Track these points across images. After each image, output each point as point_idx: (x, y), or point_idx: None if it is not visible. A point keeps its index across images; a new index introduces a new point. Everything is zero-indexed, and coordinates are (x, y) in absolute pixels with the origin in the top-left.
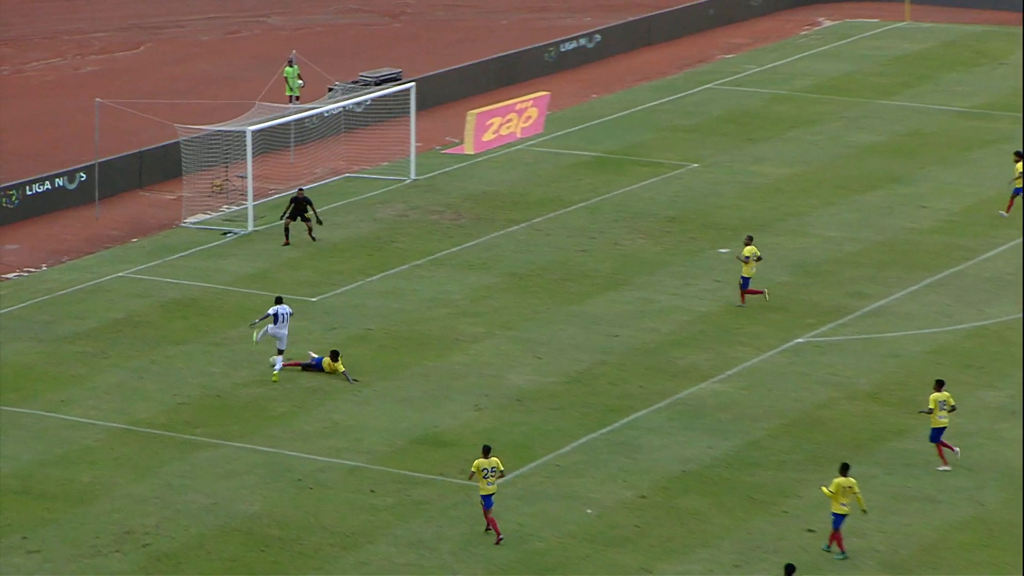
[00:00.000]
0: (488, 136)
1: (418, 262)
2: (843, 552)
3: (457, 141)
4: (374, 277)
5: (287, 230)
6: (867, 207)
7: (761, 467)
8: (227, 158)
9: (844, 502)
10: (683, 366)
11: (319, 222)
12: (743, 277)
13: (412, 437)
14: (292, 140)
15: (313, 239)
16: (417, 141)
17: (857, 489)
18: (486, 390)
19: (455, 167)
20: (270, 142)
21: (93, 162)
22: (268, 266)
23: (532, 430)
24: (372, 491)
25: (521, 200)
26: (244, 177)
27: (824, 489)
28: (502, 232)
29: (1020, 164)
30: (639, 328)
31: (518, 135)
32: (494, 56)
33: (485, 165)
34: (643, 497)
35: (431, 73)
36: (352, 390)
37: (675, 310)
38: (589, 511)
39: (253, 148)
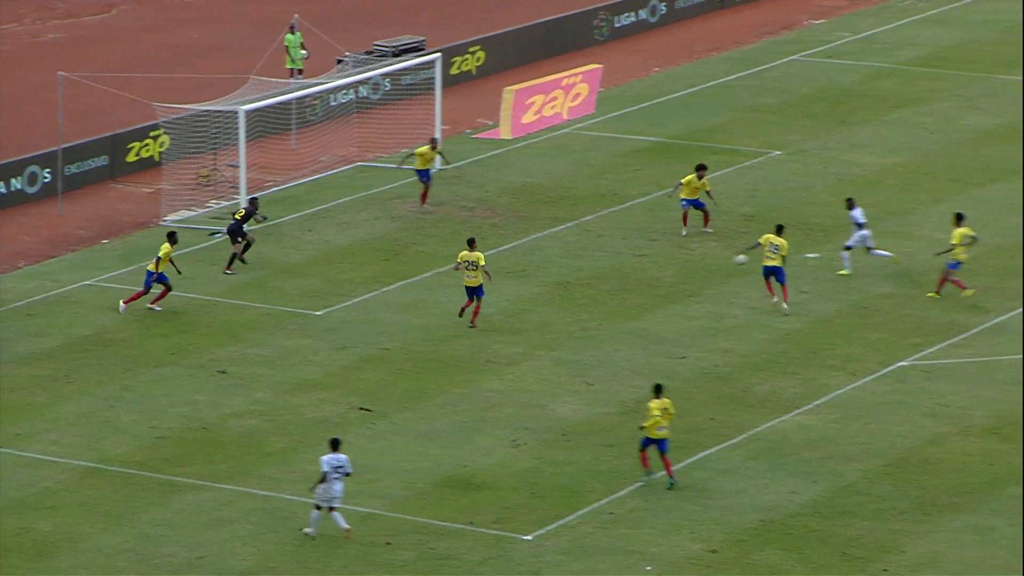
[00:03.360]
0: (528, 118)
1: (444, 269)
2: (649, 473)
3: (492, 123)
4: (391, 287)
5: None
6: (986, 203)
7: (856, 516)
8: (215, 143)
9: (663, 425)
10: (762, 394)
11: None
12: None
13: (436, 479)
14: (294, 122)
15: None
16: (443, 124)
17: (672, 408)
18: (525, 422)
19: (489, 154)
20: (267, 124)
21: (56, 148)
22: (265, 273)
23: (581, 471)
24: (388, 543)
25: (568, 194)
26: (236, 166)
27: (644, 425)
28: (545, 233)
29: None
30: (709, 349)
31: (565, 116)
32: (537, 21)
33: (525, 152)
34: (714, 552)
35: (461, 42)
36: (365, 422)
37: (753, 327)
38: (649, 568)
39: (247, 131)
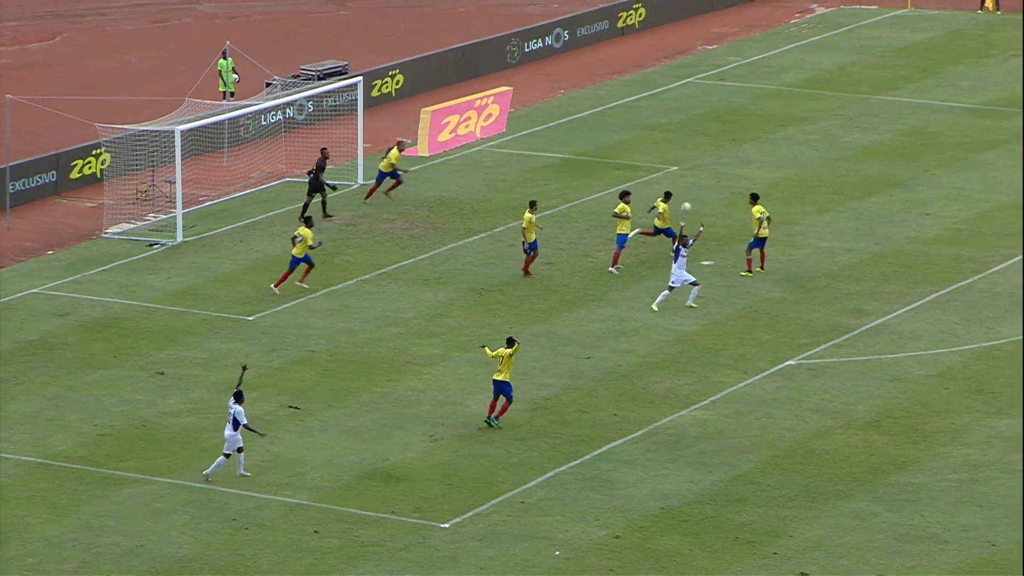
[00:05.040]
0: (444, 136)
1: (366, 277)
2: (493, 419)
3: (410, 142)
4: (318, 293)
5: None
6: (865, 215)
7: (749, 504)
8: (154, 161)
9: (500, 369)
10: (662, 391)
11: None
12: None
13: (360, 471)
14: (226, 141)
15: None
16: (365, 142)
17: (511, 359)
18: (442, 419)
19: (408, 170)
20: (201, 143)
21: (4, 166)
22: (199, 281)
23: (494, 463)
24: (316, 531)
25: (481, 207)
26: (172, 182)
27: (488, 351)
28: (460, 243)
29: (395, 151)
30: (613, 350)
31: (477, 135)
32: (451, 47)
33: (441, 168)
34: (617, 537)
35: (381, 66)
36: (294, 419)
37: (653, 329)
38: (558, 553)
39: (182, 150)
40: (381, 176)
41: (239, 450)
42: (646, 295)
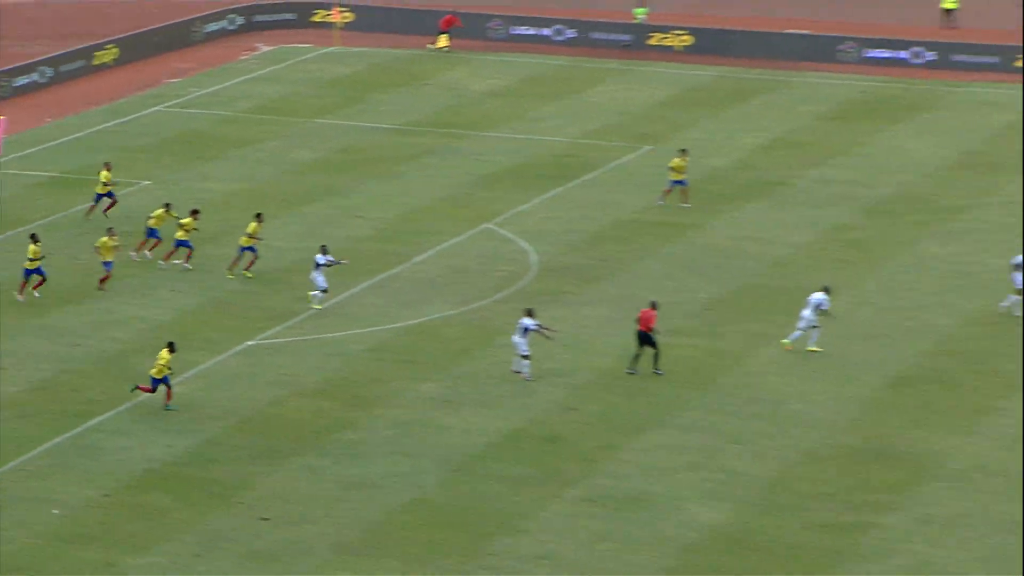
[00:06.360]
0: None
1: None
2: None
3: None
4: None
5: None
6: (309, 219)
7: (218, 463)
8: None
9: (161, 368)
10: (144, 371)
11: None
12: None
13: None
14: None
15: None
16: None
17: (165, 362)
18: None
19: None
20: None
21: None
22: None
23: (0, 437)
24: None
25: None
26: None
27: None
28: None
29: (104, 172)
30: (101, 338)
31: None
32: None
33: None
34: (107, 496)
35: None
36: None
37: (134, 320)
38: (56, 511)
39: None
40: (99, 197)
41: None
42: (128, 292)
